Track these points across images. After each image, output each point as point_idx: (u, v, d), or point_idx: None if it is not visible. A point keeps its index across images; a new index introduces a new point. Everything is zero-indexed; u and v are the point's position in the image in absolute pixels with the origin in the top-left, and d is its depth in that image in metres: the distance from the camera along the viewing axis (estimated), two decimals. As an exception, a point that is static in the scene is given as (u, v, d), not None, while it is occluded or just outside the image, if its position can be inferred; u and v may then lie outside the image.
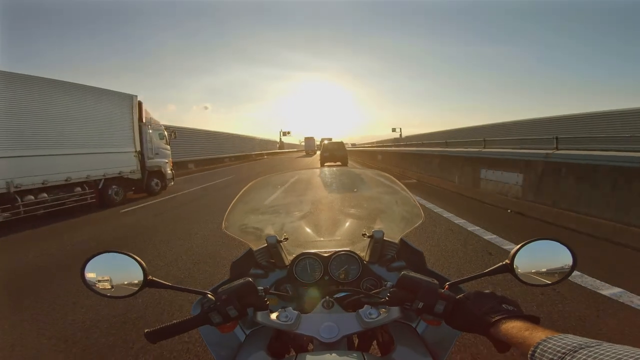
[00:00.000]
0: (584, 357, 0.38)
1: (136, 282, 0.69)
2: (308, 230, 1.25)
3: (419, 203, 1.13)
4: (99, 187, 8.19)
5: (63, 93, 7.35)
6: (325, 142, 24.84)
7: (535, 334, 0.47)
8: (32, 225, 6.30)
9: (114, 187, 8.57)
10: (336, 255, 0.97)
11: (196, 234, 4.92)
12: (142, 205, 8.26)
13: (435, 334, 0.79)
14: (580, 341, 0.41)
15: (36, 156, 6.63)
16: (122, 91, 9.07)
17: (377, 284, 0.95)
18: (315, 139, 63.91)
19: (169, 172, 10.86)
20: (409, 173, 11.26)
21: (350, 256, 0.97)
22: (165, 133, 10.96)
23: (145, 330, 0.67)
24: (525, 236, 0.91)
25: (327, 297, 0.80)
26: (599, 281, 2.70)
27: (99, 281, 0.70)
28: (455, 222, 4.89)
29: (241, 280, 0.72)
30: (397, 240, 1.02)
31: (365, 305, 0.73)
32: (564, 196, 4.58)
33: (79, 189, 7.61)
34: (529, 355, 0.45)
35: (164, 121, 11.86)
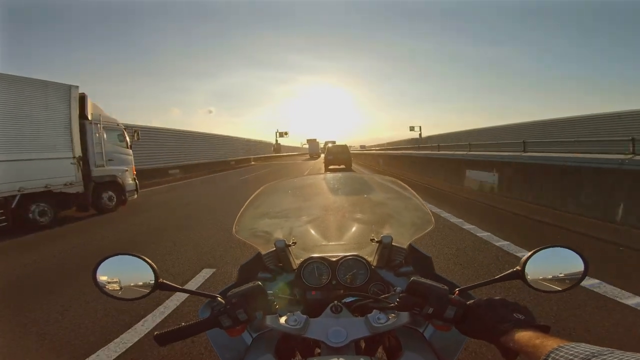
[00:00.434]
0: None
1: (147, 284, 0.70)
2: (316, 234, 1.25)
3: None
4: (12, 206, 5.99)
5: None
6: (329, 145, 24.89)
7: (547, 343, 0.47)
8: None
9: (40, 204, 6.39)
10: (344, 260, 0.98)
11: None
12: (77, 226, 6.37)
13: (443, 339, 0.79)
14: (593, 349, 0.41)
15: None
16: (57, 82, 6.83)
17: (385, 289, 0.95)
18: (319, 141, 61.49)
19: (130, 182, 8.58)
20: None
21: (358, 261, 0.97)
22: (126, 134, 8.71)
23: (155, 333, 0.67)
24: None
25: (336, 302, 0.80)
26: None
27: (110, 283, 0.70)
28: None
29: (251, 284, 0.72)
30: (405, 246, 1.03)
31: (374, 310, 0.73)
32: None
33: None
34: None
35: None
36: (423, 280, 0.69)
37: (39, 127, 6.49)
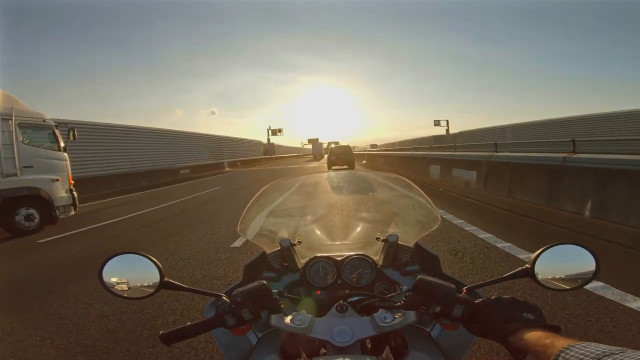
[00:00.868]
0: None
1: (153, 283, 0.70)
2: (321, 233, 1.25)
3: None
4: None
5: None
6: (332, 146, 25.33)
7: (557, 343, 0.46)
8: None
9: None
10: (349, 259, 0.97)
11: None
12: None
13: (450, 338, 0.78)
14: (604, 349, 0.40)
15: None
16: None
17: (391, 288, 0.95)
18: (321, 141, 60.01)
19: (63, 195, 6.55)
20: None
21: (363, 260, 0.97)
22: (57, 132, 6.71)
23: (160, 332, 0.67)
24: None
25: (341, 301, 0.79)
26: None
27: (116, 282, 0.70)
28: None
29: (256, 283, 0.72)
30: (411, 245, 1.02)
31: (380, 310, 0.72)
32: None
33: None
34: None
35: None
36: (430, 278, 0.68)
37: None
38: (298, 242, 1.04)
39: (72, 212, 6.91)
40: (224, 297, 0.72)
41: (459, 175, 8.49)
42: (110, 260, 0.70)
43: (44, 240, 5.60)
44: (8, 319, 2.72)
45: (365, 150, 40.97)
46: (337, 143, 37.93)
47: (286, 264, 1.01)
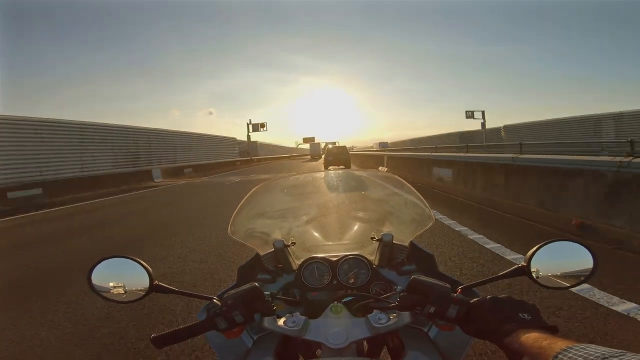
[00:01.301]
0: None
1: (142, 287, 0.69)
2: (315, 234, 1.24)
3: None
4: None
5: None
6: (330, 146, 26.02)
7: (554, 344, 0.44)
8: None
9: None
10: (344, 260, 0.96)
11: None
12: None
13: (448, 339, 0.78)
14: (604, 351, 0.39)
15: None
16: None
17: (387, 288, 0.94)
18: (317, 139, 58.79)
19: None
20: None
21: (358, 260, 0.96)
22: None
23: (152, 335, 0.67)
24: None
25: (335, 302, 0.78)
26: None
27: (106, 286, 0.70)
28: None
29: (247, 285, 0.71)
30: (406, 244, 1.02)
31: (375, 310, 0.72)
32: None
33: None
34: None
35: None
36: (424, 278, 0.67)
37: None
38: (292, 243, 1.03)
39: None
40: (215, 300, 0.71)
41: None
42: (99, 264, 0.69)
43: None
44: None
45: (372, 151, 34.34)
46: (334, 143, 38.27)
47: (281, 266, 1.00)
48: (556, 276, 0.64)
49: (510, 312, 0.56)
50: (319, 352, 0.81)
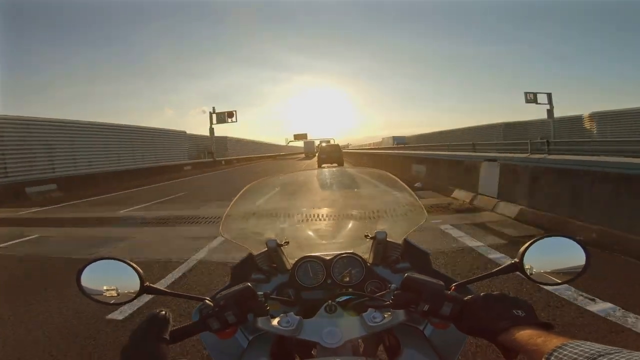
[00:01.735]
0: None
1: (133, 289, 0.68)
2: (309, 233, 1.23)
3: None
4: None
5: None
6: (323, 144, 26.73)
7: (549, 341, 0.44)
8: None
9: None
10: (338, 258, 0.96)
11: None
12: None
13: (443, 336, 0.78)
14: (599, 348, 0.39)
15: None
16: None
17: (382, 286, 0.93)
18: (310, 136, 56.66)
19: None
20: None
21: (353, 258, 0.96)
22: None
23: None
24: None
25: (330, 301, 0.78)
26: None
27: (96, 288, 0.69)
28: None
29: (240, 286, 0.71)
30: (400, 241, 1.02)
31: (369, 309, 0.71)
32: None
33: None
34: None
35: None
36: (417, 276, 0.67)
37: None
38: (285, 242, 1.02)
39: None
40: (207, 301, 0.71)
41: None
42: (89, 266, 0.68)
43: None
44: None
45: (377, 149, 27.75)
46: (328, 141, 38.65)
47: (274, 265, 0.99)
48: (549, 272, 0.64)
49: (503, 309, 0.56)
50: (314, 351, 0.81)
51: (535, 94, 21.17)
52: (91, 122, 17.51)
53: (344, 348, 0.67)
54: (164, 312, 0.62)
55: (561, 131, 21.30)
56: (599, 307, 2.32)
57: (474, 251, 3.59)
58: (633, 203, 3.35)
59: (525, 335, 0.49)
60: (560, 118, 22.24)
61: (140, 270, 0.68)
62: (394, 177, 1.29)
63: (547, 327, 0.52)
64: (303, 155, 51.03)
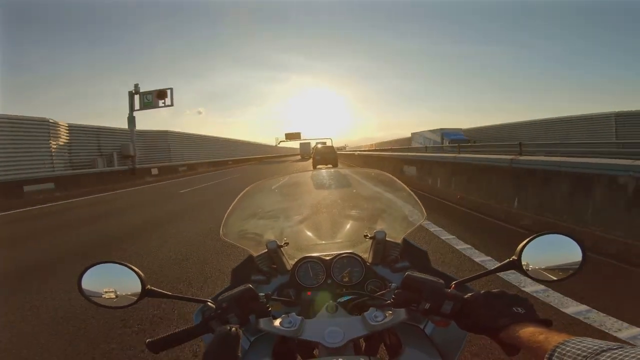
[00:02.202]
0: None
1: (135, 292, 0.68)
2: (309, 233, 1.24)
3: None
4: None
5: None
6: (319, 146, 27.00)
7: (551, 338, 0.45)
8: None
9: None
10: (338, 258, 0.96)
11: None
12: None
13: (444, 334, 0.78)
14: (601, 344, 0.39)
15: None
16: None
17: (382, 286, 0.94)
18: (305, 136, 52.28)
19: None
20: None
21: (352, 258, 0.96)
22: None
23: (147, 340, 0.66)
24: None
25: (331, 301, 0.79)
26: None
27: (97, 291, 0.69)
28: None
29: (241, 287, 0.71)
30: (399, 240, 1.03)
31: (370, 308, 0.72)
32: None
33: None
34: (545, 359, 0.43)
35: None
36: (418, 274, 0.67)
37: None
38: (285, 243, 1.02)
39: None
40: (209, 303, 0.71)
41: None
42: (90, 270, 0.68)
43: None
44: None
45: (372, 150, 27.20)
46: (324, 143, 38.85)
47: (275, 266, 1.00)
48: (546, 269, 0.65)
49: (503, 306, 0.57)
50: (316, 351, 0.81)
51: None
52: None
53: (346, 348, 0.67)
54: (234, 329, 0.57)
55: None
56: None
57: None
58: None
59: (527, 332, 0.49)
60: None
61: (142, 274, 0.68)
62: (390, 176, 1.30)
63: (546, 324, 0.52)
64: (296, 158, 48.78)
